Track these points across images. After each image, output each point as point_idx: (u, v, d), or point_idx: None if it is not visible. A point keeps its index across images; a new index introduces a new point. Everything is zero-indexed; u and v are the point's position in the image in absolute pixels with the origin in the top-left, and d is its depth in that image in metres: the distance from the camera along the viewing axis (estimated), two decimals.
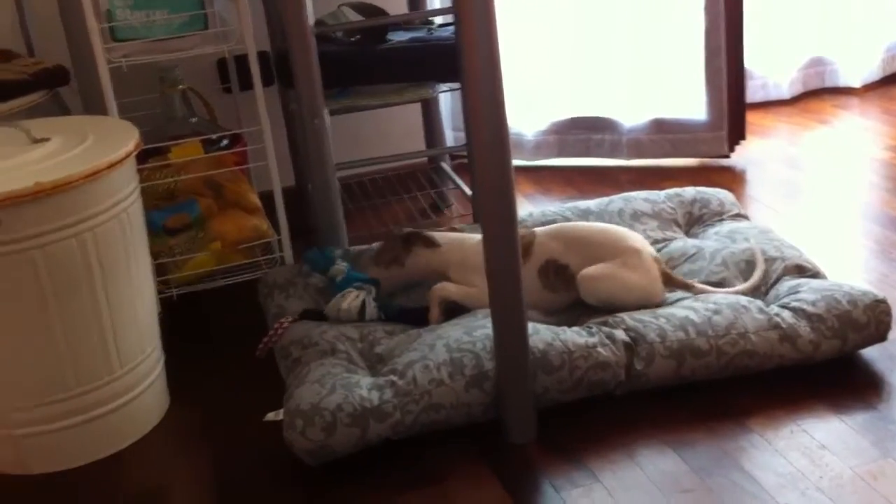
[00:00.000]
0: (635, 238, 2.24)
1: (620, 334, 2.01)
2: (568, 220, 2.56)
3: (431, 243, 2.31)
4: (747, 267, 2.26)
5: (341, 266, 2.37)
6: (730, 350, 2.00)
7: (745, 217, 2.56)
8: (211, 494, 1.89)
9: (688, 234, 2.53)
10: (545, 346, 1.97)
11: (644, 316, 2.07)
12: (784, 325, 2.02)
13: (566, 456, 1.87)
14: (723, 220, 2.54)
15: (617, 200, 2.61)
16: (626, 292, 2.14)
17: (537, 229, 2.30)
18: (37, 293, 1.86)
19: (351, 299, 2.24)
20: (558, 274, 2.21)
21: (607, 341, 2.00)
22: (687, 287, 2.19)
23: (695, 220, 2.57)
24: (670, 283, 2.19)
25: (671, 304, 2.16)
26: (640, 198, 2.61)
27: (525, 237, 2.23)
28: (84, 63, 2.42)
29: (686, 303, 2.13)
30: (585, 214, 2.56)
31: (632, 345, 2.00)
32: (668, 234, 2.50)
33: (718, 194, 2.63)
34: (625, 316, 2.07)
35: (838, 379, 2.02)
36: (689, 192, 2.64)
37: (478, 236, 2.28)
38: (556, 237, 2.25)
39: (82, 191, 1.85)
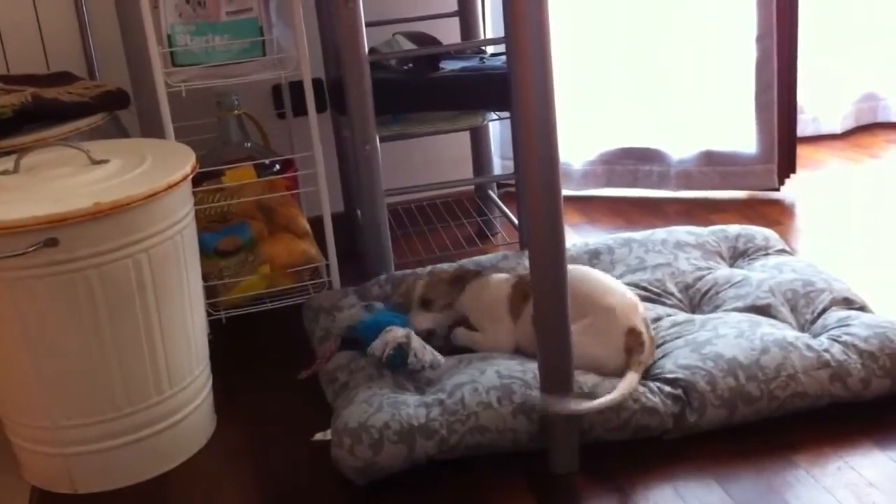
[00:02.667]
0: (614, 297, 2.09)
1: (671, 386, 1.99)
2: (612, 249, 2.57)
3: (462, 286, 2.30)
4: (793, 296, 2.25)
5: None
6: (781, 394, 1.98)
7: (790, 253, 2.55)
8: None
9: (732, 266, 2.52)
10: (595, 383, 1.97)
11: (691, 361, 2.03)
12: (833, 364, 2.00)
13: (610, 486, 1.86)
14: (768, 254, 2.53)
15: (660, 231, 2.63)
16: (576, 359, 1.94)
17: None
18: (91, 313, 1.89)
19: (390, 340, 2.12)
20: None
21: (656, 390, 1.99)
22: (638, 366, 1.99)
23: (739, 253, 2.56)
24: (632, 355, 2.01)
25: (707, 329, 2.14)
26: (683, 231, 2.62)
27: (521, 280, 2.21)
28: (144, 87, 2.47)
29: (730, 338, 2.08)
30: (628, 243, 2.58)
31: (682, 396, 1.98)
32: (712, 263, 2.49)
33: (763, 231, 2.62)
34: (674, 366, 2.03)
35: (886, 416, 2.00)
36: (734, 228, 2.64)
37: (499, 276, 2.29)
38: None
39: (140, 212, 1.88)
